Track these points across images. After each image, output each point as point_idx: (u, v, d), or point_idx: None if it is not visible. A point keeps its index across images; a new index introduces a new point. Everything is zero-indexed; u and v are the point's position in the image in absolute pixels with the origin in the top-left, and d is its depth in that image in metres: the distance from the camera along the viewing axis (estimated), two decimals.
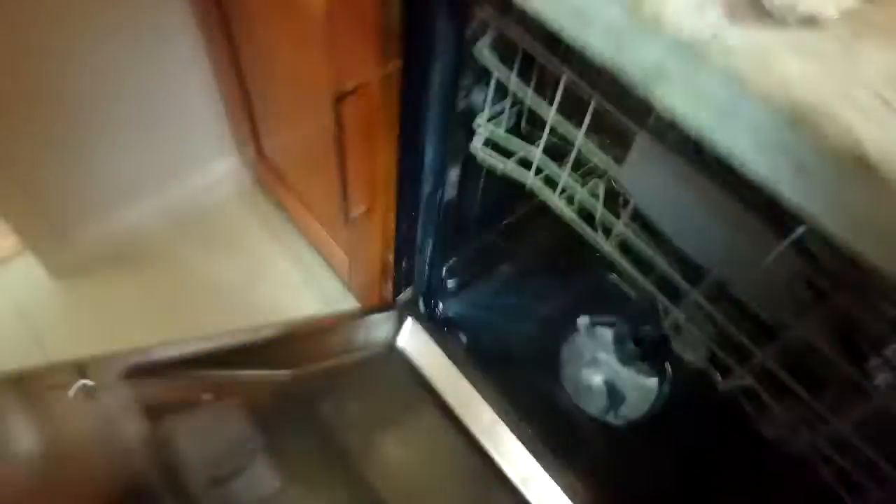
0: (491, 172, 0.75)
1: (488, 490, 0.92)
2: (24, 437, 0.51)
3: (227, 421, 0.62)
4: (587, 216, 0.68)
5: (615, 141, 0.62)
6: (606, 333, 1.13)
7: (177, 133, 1.19)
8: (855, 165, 0.28)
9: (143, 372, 0.55)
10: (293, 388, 0.78)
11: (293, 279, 1.31)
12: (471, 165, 0.81)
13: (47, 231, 1.18)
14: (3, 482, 0.47)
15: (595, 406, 1.08)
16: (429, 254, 0.96)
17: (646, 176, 0.58)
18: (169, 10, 1.02)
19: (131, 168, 1.19)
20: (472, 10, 0.60)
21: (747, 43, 0.33)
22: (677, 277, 0.62)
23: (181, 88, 1.14)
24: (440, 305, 1.08)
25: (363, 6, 0.60)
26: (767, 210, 0.45)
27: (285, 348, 0.80)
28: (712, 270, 0.57)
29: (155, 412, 0.54)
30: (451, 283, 1.09)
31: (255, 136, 1.18)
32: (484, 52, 0.63)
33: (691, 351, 0.74)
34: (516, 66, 0.62)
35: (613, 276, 0.82)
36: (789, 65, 0.32)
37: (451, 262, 1.05)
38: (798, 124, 0.29)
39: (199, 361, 0.63)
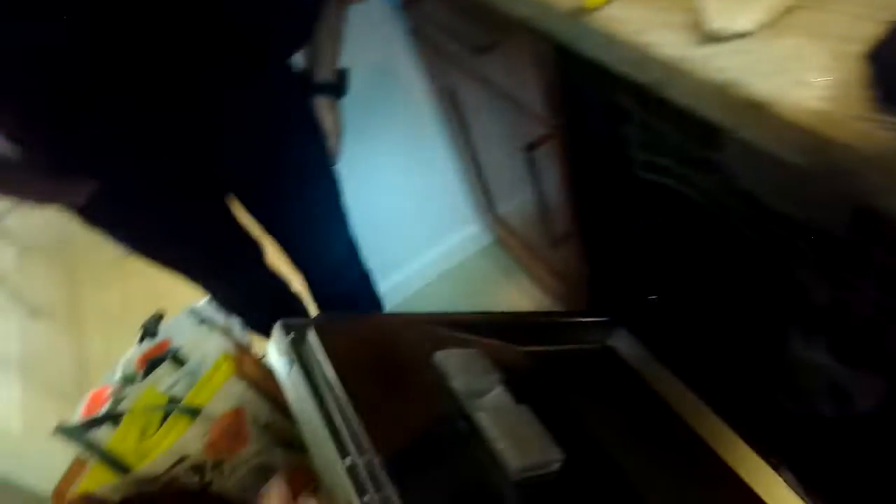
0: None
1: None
2: None
3: (477, 358, 0.92)
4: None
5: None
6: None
7: (434, 208, 1.67)
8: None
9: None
10: (523, 359, 1.07)
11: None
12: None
13: None
14: None
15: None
16: (619, 267, 1.19)
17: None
18: (427, 122, 1.53)
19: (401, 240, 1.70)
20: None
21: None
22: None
23: (435, 173, 1.62)
24: (645, 316, 1.28)
25: (529, 77, 0.93)
26: None
27: (515, 329, 1.08)
28: None
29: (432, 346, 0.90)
30: (652, 297, 1.29)
31: (490, 202, 1.58)
32: None
33: None
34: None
35: None
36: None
37: (649, 276, 1.26)
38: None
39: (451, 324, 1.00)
